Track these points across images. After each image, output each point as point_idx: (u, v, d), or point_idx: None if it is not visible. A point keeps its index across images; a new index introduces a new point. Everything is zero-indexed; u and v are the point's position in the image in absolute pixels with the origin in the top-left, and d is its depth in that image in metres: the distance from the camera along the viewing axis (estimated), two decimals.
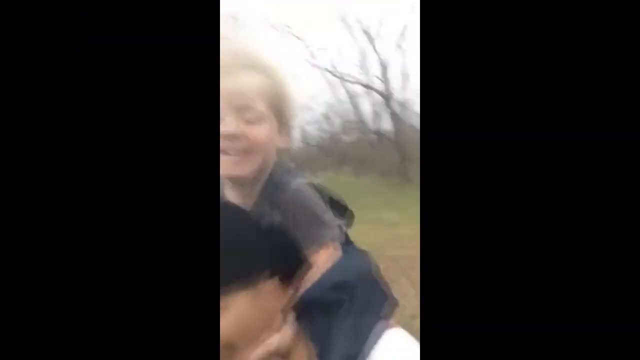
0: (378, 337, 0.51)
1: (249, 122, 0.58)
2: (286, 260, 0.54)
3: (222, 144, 0.57)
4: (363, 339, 0.50)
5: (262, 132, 0.60)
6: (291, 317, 0.53)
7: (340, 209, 0.65)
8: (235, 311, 0.49)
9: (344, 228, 0.64)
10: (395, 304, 0.54)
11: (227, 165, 0.58)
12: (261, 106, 0.59)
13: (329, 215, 0.61)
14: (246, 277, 0.50)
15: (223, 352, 0.46)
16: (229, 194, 0.63)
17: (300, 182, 0.61)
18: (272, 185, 0.61)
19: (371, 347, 0.50)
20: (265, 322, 0.52)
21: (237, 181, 0.62)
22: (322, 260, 0.56)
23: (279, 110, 0.62)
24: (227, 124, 0.57)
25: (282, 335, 0.52)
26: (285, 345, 0.52)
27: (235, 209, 0.57)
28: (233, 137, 0.57)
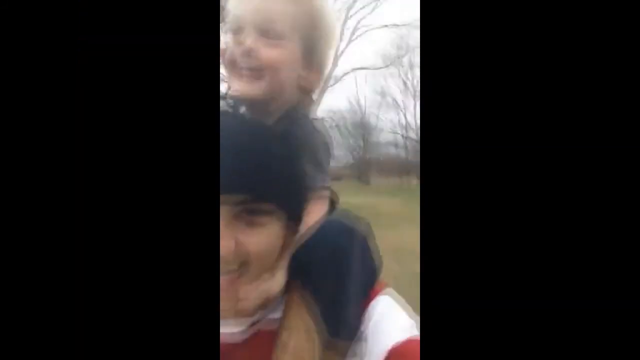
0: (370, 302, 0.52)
1: (267, 42, 0.56)
2: (297, 196, 0.53)
3: (238, 60, 0.56)
4: (358, 306, 0.51)
5: (276, 53, 0.56)
6: (285, 264, 0.52)
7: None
8: (268, 231, 0.49)
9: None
10: (381, 268, 0.55)
11: (237, 85, 0.57)
12: (283, 26, 0.56)
13: (325, 169, 0.60)
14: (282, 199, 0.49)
15: (239, 267, 0.47)
16: None
17: (318, 120, 0.60)
18: (288, 120, 0.58)
19: (367, 303, 0.52)
20: (275, 256, 0.51)
21: (249, 104, 0.58)
22: (314, 215, 0.55)
23: (307, 38, 0.59)
24: (244, 40, 0.56)
25: (277, 279, 0.51)
26: (277, 291, 0.51)
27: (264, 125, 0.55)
28: (247, 53, 0.56)
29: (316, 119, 0.60)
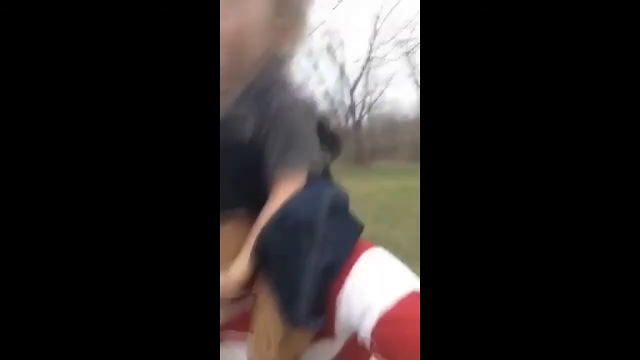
0: (356, 258, 0.47)
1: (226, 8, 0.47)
2: (253, 186, 0.49)
3: None
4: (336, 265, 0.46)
5: (230, 23, 0.49)
6: (250, 252, 0.48)
7: (328, 138, 0.55)
8: (224, 232, 0.46)
9: (327, 160, 0.55)
10: (361, 229, 0.50)
11: None
12: None
13: (311, 141, 0.52)
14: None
15: None
16: None
17: (292, 100, 0.51)
18: (257, 92, 0.51)
19: (350, 265, 0.46)
20: (229, 254, 0.48)
21: None
22: (285, 191, 0.49)
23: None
24: None
25: (239, 266, 0.48)
26: (242, 277, 0.48)
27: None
28: None
29: (297, 87, 0.53)
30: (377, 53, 17.03)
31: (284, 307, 0.46)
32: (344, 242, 0.48)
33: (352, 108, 18.21)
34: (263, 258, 0.47)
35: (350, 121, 18.27)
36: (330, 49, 17.30)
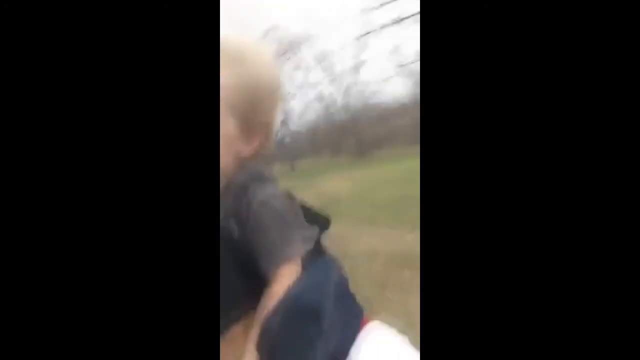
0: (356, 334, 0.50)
1: None
2: (251, 284, 0.50)
3: None
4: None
5: None
6: (254, 341, 0.48)
7: (313, 216, 0.57)
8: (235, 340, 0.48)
9: (317, 236, 0.56)
10: (363, 313, 0.53)
11: None
12: None
13: (298, 229, 0.54)
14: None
15: None
16: None
17: (269, 193, 0.53)
18: (236, 197, 0.53)
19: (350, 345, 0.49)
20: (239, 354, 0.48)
21: None
22: (283, 281, 0.50)
23: (241, 111, 0.53)
24: None
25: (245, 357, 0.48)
26: None
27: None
28: None
29: (265, 199, 0.53)
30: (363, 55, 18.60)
31: None
32: (349, 328, 0.50)
33: (345, 106, 19.10)
34: (268, 347, 0.48)
35: (348, 117, 19.35)
36: (318, 59, 18.67)
